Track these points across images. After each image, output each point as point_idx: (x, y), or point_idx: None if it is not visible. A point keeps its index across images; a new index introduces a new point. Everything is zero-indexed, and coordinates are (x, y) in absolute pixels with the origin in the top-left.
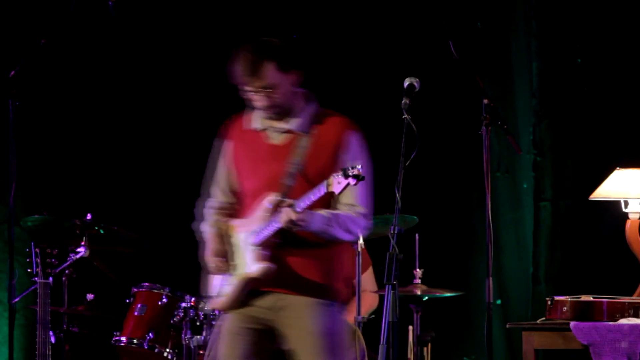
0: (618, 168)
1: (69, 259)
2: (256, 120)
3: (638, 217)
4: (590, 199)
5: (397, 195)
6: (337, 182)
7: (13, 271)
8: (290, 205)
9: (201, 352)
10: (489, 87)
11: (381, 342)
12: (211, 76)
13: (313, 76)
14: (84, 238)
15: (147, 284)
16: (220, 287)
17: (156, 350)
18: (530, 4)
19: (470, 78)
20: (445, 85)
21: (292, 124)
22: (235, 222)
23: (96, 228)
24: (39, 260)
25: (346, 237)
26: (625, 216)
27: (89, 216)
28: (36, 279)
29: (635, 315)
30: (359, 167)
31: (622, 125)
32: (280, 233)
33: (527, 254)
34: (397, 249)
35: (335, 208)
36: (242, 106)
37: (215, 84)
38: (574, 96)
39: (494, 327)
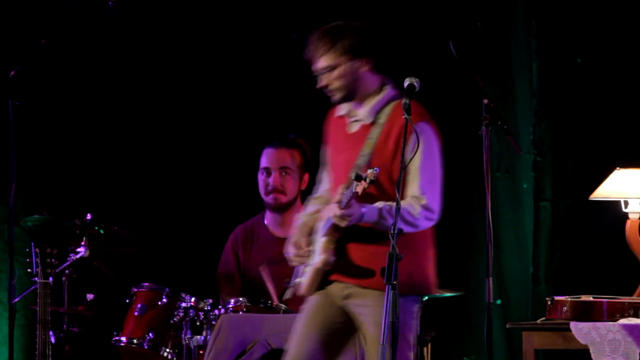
0: (618, 168)
1: (69, 259)
2: (342, 107)
3: (638, 217)
4: (590, 199)
5: (397, 195)
6: (357, 183)
7: (13, 271)
8: (339, 202)
9: (201, 352)
10: (489, 87)
11: (381, 342)
12: (211, 76)
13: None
14: (84, 238)
15: (147, 284)
16: (299, 274)
17: (156, 350)
18: (530, 4)
19: (470, 78)
20: (445, 85)
21: (362, 112)
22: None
23: (96, 228)
24: (39, 260)
25: (405, 228)
26: (625, 216)
27: (89, 216)
28: (36, 279)
29: (635, 315)
30: (376, 171)
31: (622, 125)
32: (336, 226)
33: (527, 254)
34: (397, 249)
35: (403, 199)
36: (242, 107)
37: (216, 84)
38: (574, 96)
39: (494, 327)
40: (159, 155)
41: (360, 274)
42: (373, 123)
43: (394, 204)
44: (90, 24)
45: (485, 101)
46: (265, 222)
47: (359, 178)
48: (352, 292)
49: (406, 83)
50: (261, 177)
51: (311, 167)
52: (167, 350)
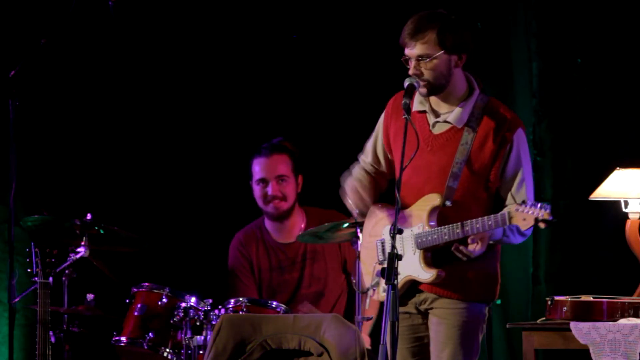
0: (618, 168)
1: (69, 259)
2: (418, 101)
3: (638, 217)
4: (590, 199)
5: (397, 195)
6: (522, 219)
7: (13, 271)
8: (473, 242)
9: (201, 352)
10: (489, 87)
11: (381, 342)
12: (211, 76)
13: (313, 76)
14: (84, 238)
15: (147, 284)
16: (378, 279)
17: (156, 350)
18: (530, 4)
19: None
20: None
21: (453, 115)
22: (388, 212)
23: (96, 228)
24: (39, 260)
25: (519, 240)
26: (625, 216)
27: (89, 216)
28: (36, 279)
29: (635, 315)
30: (548, 209)
31: (622, 125)
32: (447, 245)
33: (527, 254)
34: (397, 248)
35: (505, 198)
36: (243, 107)
37: (215, 84)
38: (574, 96)
39: (494, 327)
40: (159, 155)
41: (448, 285)
42: (464, 127)
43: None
44: (90, 24)
45: None
46: (267, 227)
47: (535, 216)
48: (434, 301)
49: (406, 83)
50: (257, 188)
51: (301, 168)
52: (167, 350)
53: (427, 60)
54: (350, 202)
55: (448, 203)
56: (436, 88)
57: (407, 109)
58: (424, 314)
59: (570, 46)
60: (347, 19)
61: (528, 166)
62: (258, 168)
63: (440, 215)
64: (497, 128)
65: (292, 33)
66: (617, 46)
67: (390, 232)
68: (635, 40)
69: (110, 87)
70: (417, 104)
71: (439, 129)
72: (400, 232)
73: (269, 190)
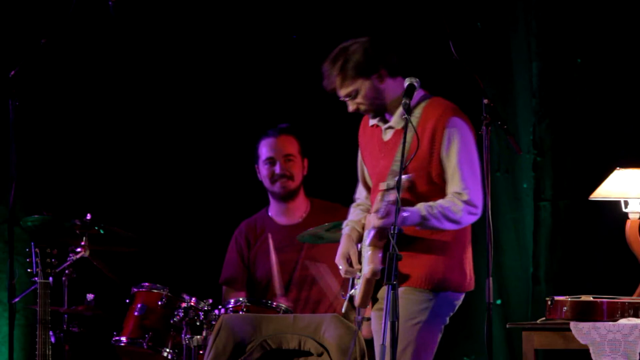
0: (618, 168)
1: (69, 259)
2: (371, 117)
3: (638, 217)
4: (590, 199)
5: (397, 195)
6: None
7: (13, 271)
8: (376, 211)
9: (201, 352)
10: (489, 87)
11: (381, 342)
12: (211, 76)
13: (313, 76)
14: (84, 238)
15: (147, 284)
16: (353, 286)
17: (156, 350)
18: (530, 4)
19: (470, 78)
20: (445, 85)
21: (394, 119)
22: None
23: (96, 228)
24: (39, 260)
25: (448, 226)
26: (625, 216)
27: (89, 216)
28: (36, 279)
29: (635, 315)
30: (408, 177)
31: (622, 125)
32: (379, 234)
33: (527, 254)
34: (397, 249)
35: (445, 196)
36: (243, 107)
37: (214, 84)
38: (574, 96)
39: (494, 327)
40: (159, 155)
41: (403, 275)
42: (403, 128)
43: (438, 202)
44: (90, 24)
45: (485, 101)
46: (270, 214)
47: (389, 187)
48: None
49: (406, 83)
50: (264, 167)
51: (308, 153)
52: (167, 350)
53: (355, 94)
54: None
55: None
56: (378, 108)
57: (408, 109)
58: None
59: (570, 46)
60: (347, 18)
61: (465, 155)
62: (265, 149)
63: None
64: (434, 124)
65: (292, 31)
66: (617, 46)
67: (390, 232)
68: (636, 40)
69: (110, 87)
70: (371, 120)
71: (387, 136)
72: (401, 232)
73: (277, 169)
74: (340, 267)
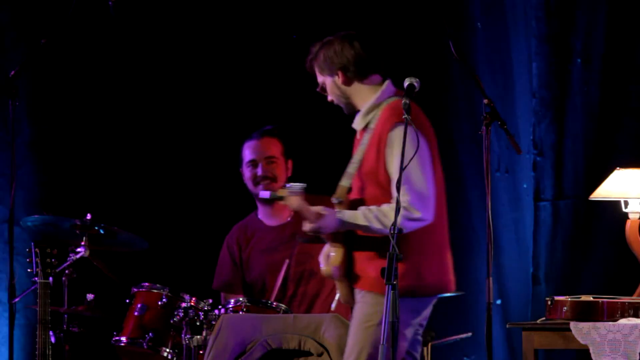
0: (618, 168)
1: (69, 259)
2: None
3: (638, 217)
4: (590, 199)
5: (397, 195)
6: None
7: (13, 271)
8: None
9: (201, 352)
10: (489, 87)
11: (381, 342)
12: (211, 76)
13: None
14: (84, 238)
15: (147, 284)
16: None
17: (156, 350)
18: (531, 4)
19: (470, 78)
20: (445, 85)
21: (355, 120)
22: None
23: (96, 228)
24: (39, 260)
25: (379, 230)
26: (625, 216)
27: (89, 216)
28: (36, 279)
29: (635, 315)
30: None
31: (622, 125)
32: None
33: (527, 254)
34: (397, 249)
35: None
36: (243, 107)
37: (216, 84)
38: (574, 96)
39: (494, 327)
40: (159, 155)
41: (355, 276)
42: (365, 128)
43: (376, 207)
44: (90, 24)
45: (485, 101)
46: (259, 216)
47: (273, 198)
48: (359, 295)
49: (406, 83)
50: (247, 170)
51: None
52: (167, 350)
53: (324, 86)
54: None
55: (334, 200)
56: (347, 106)
57: (407, 109)
58: None
59: (570, 46)
60: (347, 19)
61: (400, 159)
62: (248, 151)
63: None
64: (380, 128)
65: (292, 31)
66: (617, 46)
67: (390, 232)
68: (636, 40)
69: (110, 87)
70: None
71: (358, 137)
72: (401, 231)
73: (259, 171)
74: (321, 266)
